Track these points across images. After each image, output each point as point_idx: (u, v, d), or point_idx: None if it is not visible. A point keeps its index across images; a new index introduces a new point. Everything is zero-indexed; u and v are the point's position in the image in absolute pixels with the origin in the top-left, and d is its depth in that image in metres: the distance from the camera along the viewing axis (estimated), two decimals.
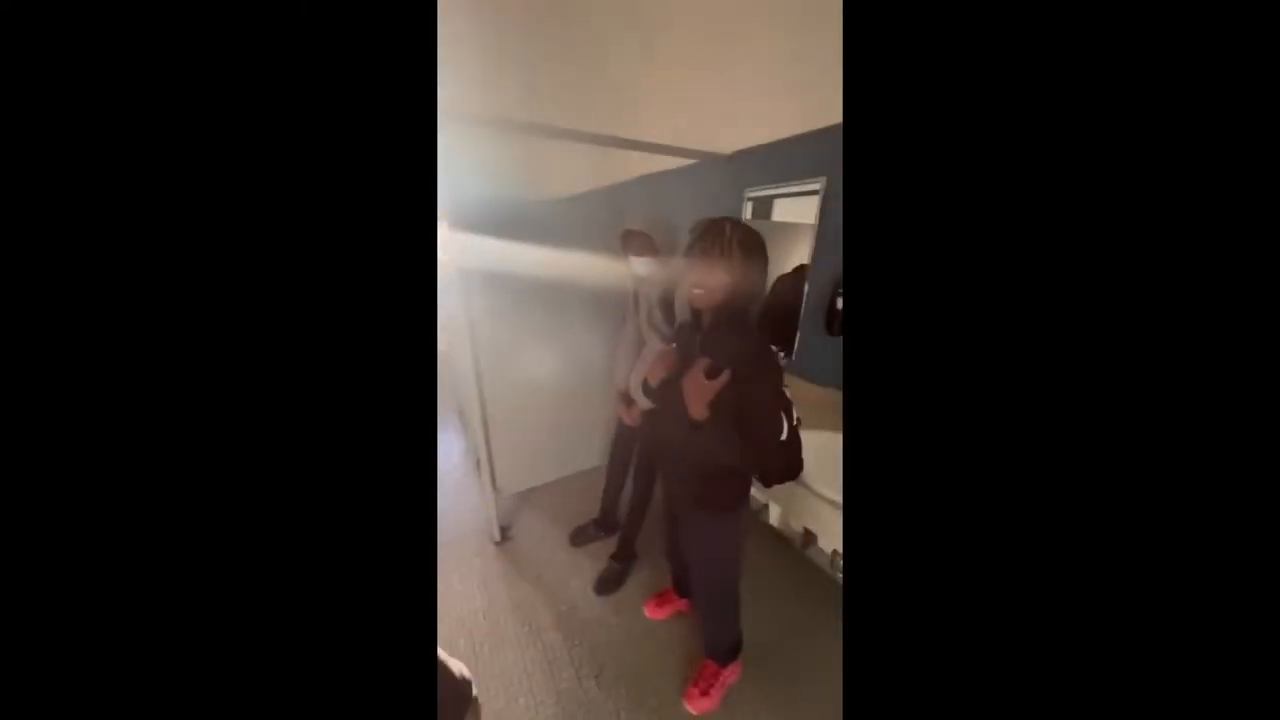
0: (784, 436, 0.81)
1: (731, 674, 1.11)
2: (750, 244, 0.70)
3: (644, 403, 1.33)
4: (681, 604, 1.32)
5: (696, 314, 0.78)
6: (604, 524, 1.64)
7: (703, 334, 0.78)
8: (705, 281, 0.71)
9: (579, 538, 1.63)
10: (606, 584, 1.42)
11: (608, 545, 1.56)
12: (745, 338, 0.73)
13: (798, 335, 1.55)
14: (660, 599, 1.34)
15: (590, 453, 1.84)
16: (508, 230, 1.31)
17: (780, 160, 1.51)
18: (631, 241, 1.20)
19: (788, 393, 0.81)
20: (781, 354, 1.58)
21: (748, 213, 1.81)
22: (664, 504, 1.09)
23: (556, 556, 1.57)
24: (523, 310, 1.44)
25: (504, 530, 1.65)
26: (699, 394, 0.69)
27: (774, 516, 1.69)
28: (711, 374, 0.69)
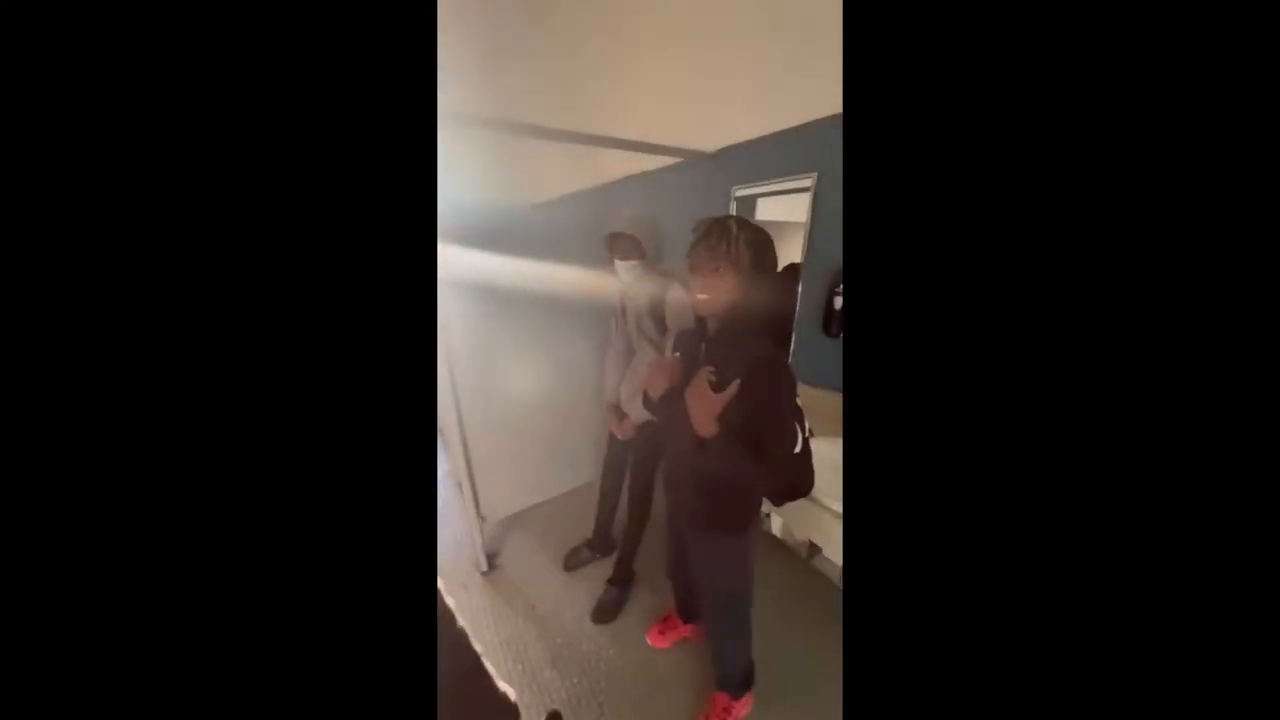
0: (798, 449, 0.74)
1: (744, 707, 1.03)
2: (759, 244, 0.64)
3: (636, 415, 1.25)
4: (686, 630, 1.24)
5: (701, 321, 0.72)
6: (598, 544, 1.55)
7: (708, 341, 0.72)
8: (710, 286, 0.65)
9: (572, 560, 1.53)
10: (604, 611, 1.32)
11: (603, 568, 1.46)
12: (757, 345, 0.67)
13: (793, 337, 1.50)
14: (663, 625, 1.25)
15: (580, 470, 1.75)
16: (485, 235, 1.22)
17: (768, 156, 1.47)
18: (617, 244, 1.12)
19: (799, 402, 0.75)
20: None
21: (733, 212, 1.77)
22: (667, 522, 1.01)
23: (549, 584, 1.47)
24: (502, 320, 1.35)
25: (491, 559, 1.53)
26: (706, 409, 0.62)
27: (776, 527, 1.62)
28: (718, 386, 0.62)
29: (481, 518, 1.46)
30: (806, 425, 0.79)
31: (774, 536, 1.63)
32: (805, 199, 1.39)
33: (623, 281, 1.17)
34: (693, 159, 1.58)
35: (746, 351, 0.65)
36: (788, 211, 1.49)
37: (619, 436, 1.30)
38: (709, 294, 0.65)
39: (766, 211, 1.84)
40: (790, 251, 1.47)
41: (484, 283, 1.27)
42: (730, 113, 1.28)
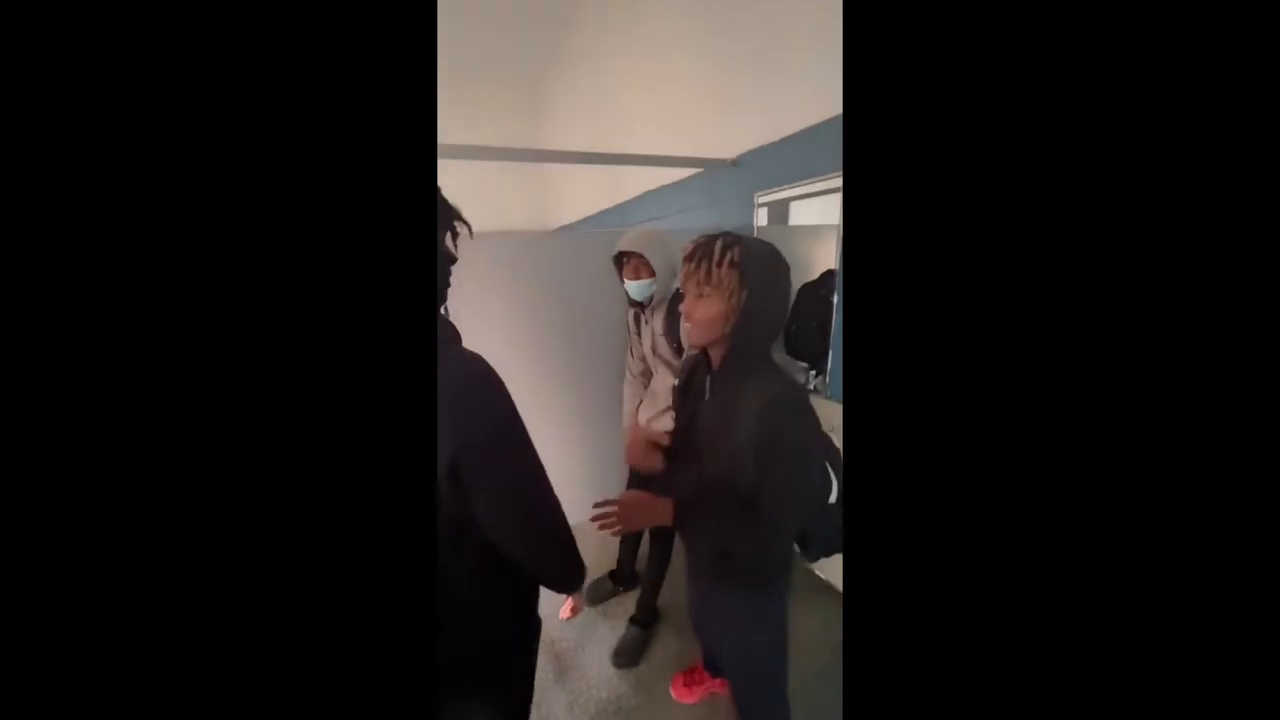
0: (833, 498, 0.63)
1: None
2: (752, 263, 0.55)
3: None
4: (716, 684, 1.11)
5: (704, 351, 0.65)
6: (622, 578, 1.46)
7: (713, 375, 0.64)
8: (699, 315, 0.57)
9: (594, 593, 1.46)
10: (625, 654, 1.23)
11: (627, 603, 1.37)
12: (767, 379, 0.57)
13: (830, 352, 1.34)
14: (689, 677, 1.13)
15: (605, 496, 1.68)
16: (506, 264, 1.23)
17: (793, 157, 1.35)
18: (625, 264, 1.07)
19: (835, 440, 0.63)
20: (815, 374, 1.38)
21: (762, 219, 1.65)
22: (688, 570, 0.90)
23: (570, 621, 1.40)
24: (518, 343, 1.34)
25: None
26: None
27: (827, 570, 1.44)
28: (716, 424, 0.56)
29: None
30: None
31: (820, 579, 1.45)
32: (840, 200, 1.25)
33: (634, 303, 1.11)
34: (712, 168, 1.49)
35: (755, 386, 0.57)
36: (823, 214, 1.36)
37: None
38: (698, 323, 0.57)
39: (800, 216, 1.70)
40: (828, 256, 1.33)
41: (502, 308, 1.27)
42: (747, 116, 1.20)
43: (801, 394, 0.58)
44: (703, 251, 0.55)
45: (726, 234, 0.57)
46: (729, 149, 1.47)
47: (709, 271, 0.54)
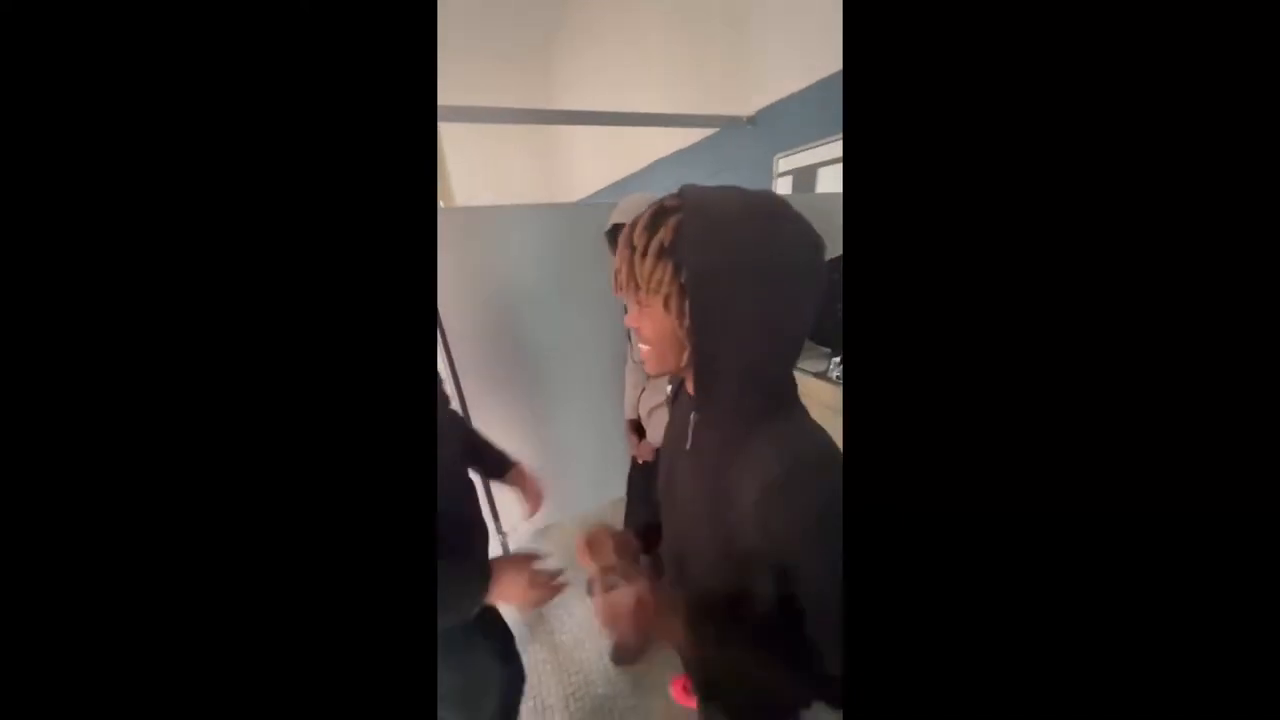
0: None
1: None
2: (699, 242, 0.30)
3: (654, 435, 1.09)
4: None
5: (682, 381, 0.46)
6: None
7: (696, 415, 0.41)
8: (645, 334, 0.36)
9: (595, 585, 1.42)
10: (625, 651, 1.19)
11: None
12: (771, 430, 0.36)
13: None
14: (690, 683, 1.08)
15: (615, 484, 1.63)
16: (496, 236, 1.15)
17: (816, 112, 1.17)
18: (618, 241, 0.95)
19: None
20: (837, 360, 1.23)
21: (786, 186, 1.48)
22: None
23: (572, 610, 1.38)
24: (515, 324, 1.27)
25: None
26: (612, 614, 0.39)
27: None
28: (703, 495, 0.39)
29: (503, 534, 1.41)
30: None
31: None
32: None
33: None
34: (726, 126, 1.32)
35: (751, 447, 0.36)
36: None
37: (638, 459, 1.15)
38: (650, 343, 0.36)
39: (830, 183, 1.51)
40: None
41: (498, 287, 1.20)
42: (763, 65, 1.03)
43: (830, 460, 0.34)
44: (624, 238, 0.33)
45: (669, 196, 0.33)
46: (744, 105, 1.30)
47: (629, 269, 0.33)
